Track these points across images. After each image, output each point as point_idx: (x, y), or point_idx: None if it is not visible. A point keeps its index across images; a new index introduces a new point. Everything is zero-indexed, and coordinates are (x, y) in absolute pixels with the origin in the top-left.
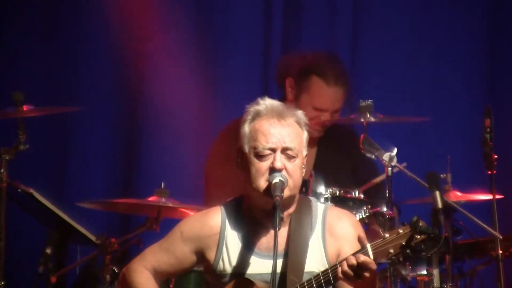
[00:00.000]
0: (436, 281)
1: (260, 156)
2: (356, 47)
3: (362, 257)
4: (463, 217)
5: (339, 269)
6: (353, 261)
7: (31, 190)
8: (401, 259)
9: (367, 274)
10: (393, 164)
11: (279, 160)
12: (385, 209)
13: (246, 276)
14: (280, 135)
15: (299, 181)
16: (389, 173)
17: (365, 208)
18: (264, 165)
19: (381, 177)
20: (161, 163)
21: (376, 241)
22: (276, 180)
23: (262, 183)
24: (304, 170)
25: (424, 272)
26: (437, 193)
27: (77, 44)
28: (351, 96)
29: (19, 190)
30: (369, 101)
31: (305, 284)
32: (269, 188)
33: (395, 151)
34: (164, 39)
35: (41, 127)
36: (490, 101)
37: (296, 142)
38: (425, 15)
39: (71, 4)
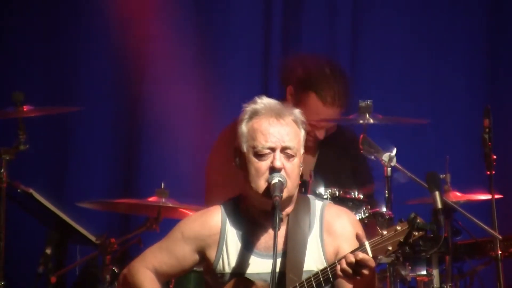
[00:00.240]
0: (436, 282)
1: (259, 156)
2: (356, 47)
3: (361, 255)
4: (463, 218)
5: (338, 267)
6: (352, 258)
7: (31, 190)
8: (401, 258)
9: (365, 272)
10: (392, 164)
11: (279, 160)
12: (384, 209)
13: (245, 275)
14: (279, 134)
15: (297, 181)
16: (389, 173)
17: (364, 208)
18: (264, 164)
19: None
20: (161, 163)
21: (374, 239)
22: (275, 180)
23: (262, 184)
24: (301, 169)
25: (424, 272)
26: (437, 193)
27: (77, 44)
28: (350, 97)
29: (19, 190)
30: (369, 102)
31: (305, 283)
32: (269, 188)
33: (394, 151)
34: (164, 39)
35: (41, 127)
36: (490, 101)
37: (295, 141)
38: (425, 15)
39: (71, 4)
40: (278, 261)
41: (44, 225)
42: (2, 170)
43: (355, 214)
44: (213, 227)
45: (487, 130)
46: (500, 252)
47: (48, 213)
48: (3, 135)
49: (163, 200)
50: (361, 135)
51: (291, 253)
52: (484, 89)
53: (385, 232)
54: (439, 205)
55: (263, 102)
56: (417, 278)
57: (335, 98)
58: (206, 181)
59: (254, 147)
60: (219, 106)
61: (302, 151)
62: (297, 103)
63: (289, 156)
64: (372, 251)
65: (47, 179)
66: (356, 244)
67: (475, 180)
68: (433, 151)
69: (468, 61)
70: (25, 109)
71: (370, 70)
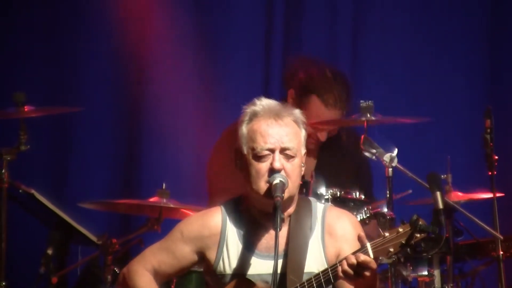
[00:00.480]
0: (437, 282)
1: (259, 157)
2: (356, 47)
3: (362, 256)
4: (464, 218)
5: (339, 268)
6: (353, 260)
7: (32, 191)
8: (402, 259)
9: (367, 273)
10: (393, 164)
11: (278, 161)
12: (385, 209)
13: (246, 276)
14: (278, 135)
15: (298, 181)
16: (390, 173)
17: (365, 209)
18: (264, 166)
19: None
20: (163, 163)
21: (376, 240)
22: (276, 181)
23: (263, 185)
24: (303, 169)
25: (425, 272)
26: (438, 193)
27: (77, 44)
28: (351, 98)
29: (20, 191)
30: (369, 102)
31: (305, 284)
32: (270, 189)
33: (395, 151)
34: (164, 39)
35: (42, 127)
36: (490, 101)
37: (295, 142)
38: (425, 15)
39: (71, 4)
40: (280, 262)
41: (45, 226)
42: (3, 170)
43: (356, 214)
44: (213, 227)
45: (488, 130)
46: (501, 252)
47: (49, 214)
48: (4, 135)
49: (165, 200)
50: (362, 136)
51: (292, 254)
52: (484, 89)
53: (387, 234)
54: (440, 206)
55: (262, 103)
56: (419, 279)
57: (337, 101)
58: (208, 183)
59: (253, 149)
60: (219, 106)
61: (303, 151)
62: (299, 107)
63: (289, 157)
64: (373, 252)
65: (49, 180)
66: (357, 246)
67: (476, 180)
68: (434, 151)
69: (468, 61)
70: (26, 110)
71: (371, 70)
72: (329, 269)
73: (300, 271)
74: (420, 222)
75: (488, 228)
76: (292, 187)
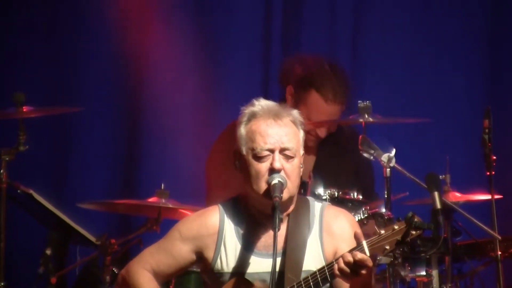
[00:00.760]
0: (436, 282)
1: (258, 158)
2: (356, 47)
3: (359, 255)
4: (462, 218)
5: (336, 266)
6: (350, 258)
7: (31, 191)
8: (400, 259)
9: (363, 271)
10: (391, 165)
11: (278, 161)
12: (383, 209)
13: (244, 275)
14: (277, 136)
15: (297, 182)
16: (388, 174)
17: (363, 209)
18: (263, 166)
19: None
20: (161, 163)
21: (371, 238)
22: (275, 181)
23: (263, 185)
24: (301, 169)
25: (424, 273)
26: (436, 193)
27: (77, 44)
28: (351, 96)
29: (19, 191)
30: (368, 102)
31: (302, 282)
32: (269, 189)
33: (393, 152)
34: (164, 40)
35: (41, 127)
36: (490, 101)
37: (294, 142)
38: (425, 15)
39: (71, 4)
40: (278, 260)
41: (44, 226)
42: (2, 170)
43: (354, 215)
44: (211, 227)
45: (487, 130)
46: (500, 252)
47: (48, 214)
48: (3, 135)
49: (163, 200)
50: (360, 136)
51: (291, 253)
52: (484, 89)
53: (382, 231)
54: (439, 206)
55: (261, 104)
56: (417, 279)
57: (336, 94)
58: (206, 183)
59: (253, 149)
60: (219, 106)
61: (302, 151)
62: (298, 103)
63: (289, 157)
64: (369, 250)
65: (48, 180)
66: (354, 244)
67: (475, 180)
68: (432, 152)
69: (468, 61)
70: (25, 110)
71: (370, 70)
72: (325, 267)
73: (299, 269)
74: (416, 219)
75: (486, 228)
76: (292, 187)
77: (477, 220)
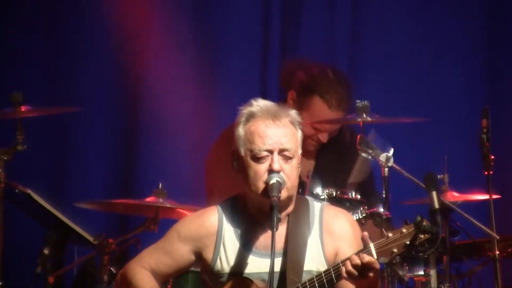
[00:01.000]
0: (434, 282)
1: (257, 159)
2: (355, 47)
3: (367, 257)
4: (460, 218)
5: (343, 269)
6: (357, 261)
7: (29, 191)
8: (398, 259)
9: (371, 274)
10: (389, 164)
11: (277, 162)
12: (381, 209)
13: (244, 275)
14: (276, 136)
15: (296, 181)
16: (386, 173)
17: (361, 208)
18: (262, 167)
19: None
20: (159, 163)
21: (379, 241)
22: (273, 181)
23: (261, 185)
24: (300, 170)
25: (422, 272)
26: (434, 193)
27: (77, 44)
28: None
29: (16, 191)
30: (366, 102)
31: (307, 284)
32: (267, 189)
33: (391, 151)
34: (163, 40)
35: (40, 127)
36: (489, 101)
37: (293, 143)
38: (424, 15)
39: (71, 4)
40: (279, 260)
41: (42, 226)
42: (0, 170)
43: (352, 214)
44: (209, 227)
45: (485, 130)
46: (498, 252)
47: (46, 214)
48: (1, 135)
49: (161, 200)
50: (358, 136)
51: (291, 253)
52: (483, 89)
53: (390, 234)
54: (437, 205)
55: (259, 104)
56: (415, 279)
57: (340, 101)
58: (206, 184)
59: (251, 150)
60: (217, 106)
61: (300, 151)
62: (300, 108)
63: (287, 158)
64: (377, 253)
65: (45, 180)
66: (354, 244)
67: (473, 180)
68: (431, 151)
69: (468, 61)
70: (23, 110)
71: (369, 70)
72: (331, 269)
73: (299, 269)
74: (424, 223)
75: (484, 228)
76: (292, 187)
77: (475, 219)
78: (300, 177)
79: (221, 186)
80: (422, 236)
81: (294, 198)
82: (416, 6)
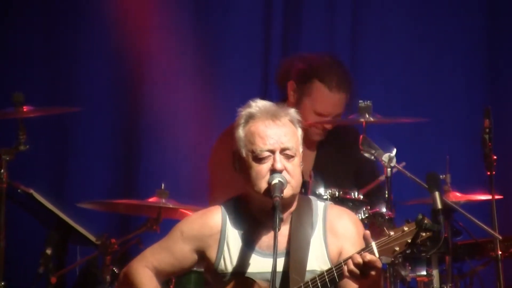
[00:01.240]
0: (436, 282)
1: (259, 159)
2: (356, 47)
3: (368, 256)
4: (463, 218)
5: (345, 268)
6: (359, 259)
7: (31, 191)
8: (400, 259)
9: (373, 273)
10: (392, 164)
11: (279, 161)
12: (384, 209)
13: (247, 275)
14: (277, 136)
15: (299, 180)
16: (388, 173)
17: (364, 209)
18: (264, 167)
19: (381, 178)
20: (161, 163)
21: (381, 239)
22: (275, 181)
23: (263, 185)
24: (301, 168)
25: (424, 272)
26: (437, 193)
27: (77, 44)
28: (353, 98)
29: (19, 191)
30: (368, 102)
31: (310, 283)
32: (269, 189)
33: (394, 151)
34: (164, 40)
35: (41, 127)
36: (490, 101)
37: (293, 141)
38: (425, 15)
39: (71, 4)
40: (282, 260)
41: (44, 226)
42: (2, 170)
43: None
44: (213, 227)
45: (487, 130)
46: (500, 252)
47: (48, 214)
48: (3, 135)
49: (163, 200)
50: (361, 136)
51: (294, 253)
52: (484, 89)
53: (392, 233)
54: (439, 206)
55: (258, 105)
56: (417, 279)
57: (340, 82)
58: (209, 183)
59: (253, 151)
60: (219, 106)
61: (301, 150)
62: (301, 97)
63: (289, 157)
64: (379, 251)
65: (47, 180)
66: (358, 244)
67: (475, 180)
68: (433, 151)
69: (468, 61)
70: (25, 110)
71: (370, 70)
72: (333, 268)
73: (303, 269)
74: (426, 221)
75: (487, 228)
76: (295, 186)
77: (478, 220)
78: (302, 176)
79: (224, 185)
80: (424, 234)
81: (297, 197)
82: (416, 6)
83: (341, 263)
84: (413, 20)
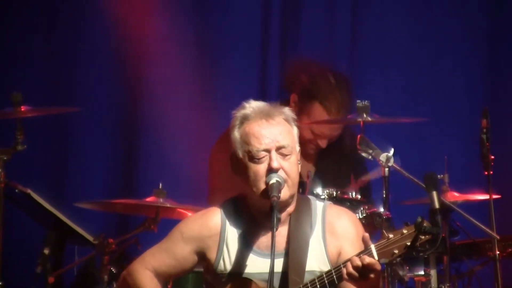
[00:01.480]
0: (434, 282)
1: (255, 159)
2: (356, 47)
3: (367, 259)
4: (461, 218)
5: (344, 271)
6: (358, 262)
7: (29, 191)
8: (398, 260)
9: (372, 275)
10: (389, 164)
11: (276, 160)
12: (382, 209)
13: (246, 275)
14: (272, 135)
15: (297, 178)
16: (386, 173)
17: (362, 208)
18: (262, 167)
19: (374, 173)
20: (159, 163)
21: (380, 242)
22: (273, 180)
23: (261, 186)
24: (299, 166)
25: (422, 272)
26: (434, 193)
27: (76, 44)
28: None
29: (16, 191)
30: (366, 102)
31: (309, 285)
32: (267, 189)
33: (392, 151)
34: (163, 40)
35: (40, 127)
36: (488, 101)
37: (289, 139)
38: (425, 15)
39: (71, 4)
40: (281, 261)
41: (42, 225)
42: (0, 170)
43: None
44: (212, 228)
45: (485, 130)
46: (498, 252)
47: (46, 213)
48: (1, 135)
49: (161, 200)
50: (359, 136)
51: (293, 253)
52: (483, 89)
53: (391, 236)
54: (437, 205)
55: (252, 105)
56: (415, 279)
57: (340, 108)
58: (208, 183)
59: (249, 152)
60: (217, 106)
61: (297, 148)
62: (301, 111)
63: (285, 155)
64: (378, 254)
65: (45, 179)
66: (357, 244)
67: (473, 180)
68: (431, 151)
69: (468, 61)
70: (23, 110)
71: (369, 70)
72: (333, 271)
73: (302, 270)
74: (425, 224)
75: (484, 228)
76: (292, 184)
77: (475, 219)
78: (300, 177)
79: (223, 185)
80: (423, 237)
81: (295, 196)
82: (416, 6)
83: (340, 265)
84: (413, 20)
